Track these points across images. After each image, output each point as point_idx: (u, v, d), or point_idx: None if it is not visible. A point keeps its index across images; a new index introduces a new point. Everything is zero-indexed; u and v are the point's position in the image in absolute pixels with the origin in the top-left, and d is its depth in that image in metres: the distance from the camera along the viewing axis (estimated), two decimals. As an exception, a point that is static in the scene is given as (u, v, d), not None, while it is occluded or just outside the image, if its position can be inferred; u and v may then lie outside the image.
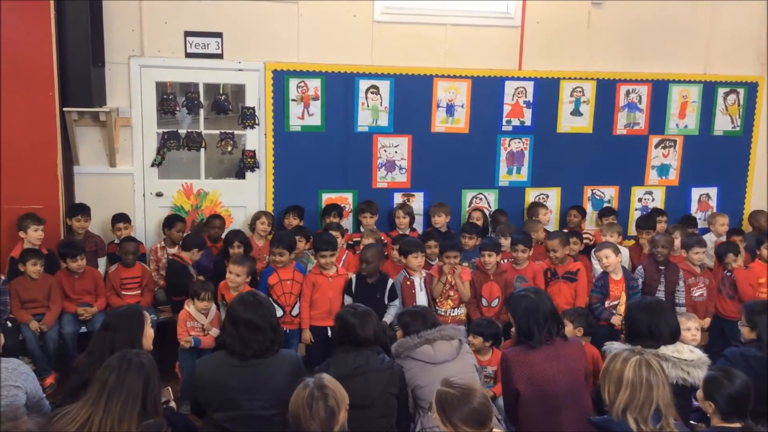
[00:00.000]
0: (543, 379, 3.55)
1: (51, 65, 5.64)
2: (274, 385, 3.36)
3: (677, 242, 6.17)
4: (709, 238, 6.83)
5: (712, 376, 3.26)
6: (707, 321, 5.71)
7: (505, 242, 6.01)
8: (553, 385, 3.55)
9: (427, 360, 3.75)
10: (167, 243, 6.15)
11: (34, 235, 5.49)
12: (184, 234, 6.07)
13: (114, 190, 6.36)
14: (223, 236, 6.24)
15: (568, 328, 4.44)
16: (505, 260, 5.92)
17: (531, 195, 7.24)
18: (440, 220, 6.65)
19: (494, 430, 2.90)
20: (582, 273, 5.67)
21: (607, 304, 5.42)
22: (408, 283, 5.37)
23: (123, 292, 5.63)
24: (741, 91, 7.55)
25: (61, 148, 5.86)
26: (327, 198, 6.79)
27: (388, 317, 5.20)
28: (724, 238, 6.93)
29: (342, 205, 6.72)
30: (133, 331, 3.47)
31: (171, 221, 6.17)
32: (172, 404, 3.81)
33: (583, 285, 5.62)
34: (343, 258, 5.89)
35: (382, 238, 6.26)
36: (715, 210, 7.60)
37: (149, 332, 3.57)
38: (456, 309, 5.41)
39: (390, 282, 5.33)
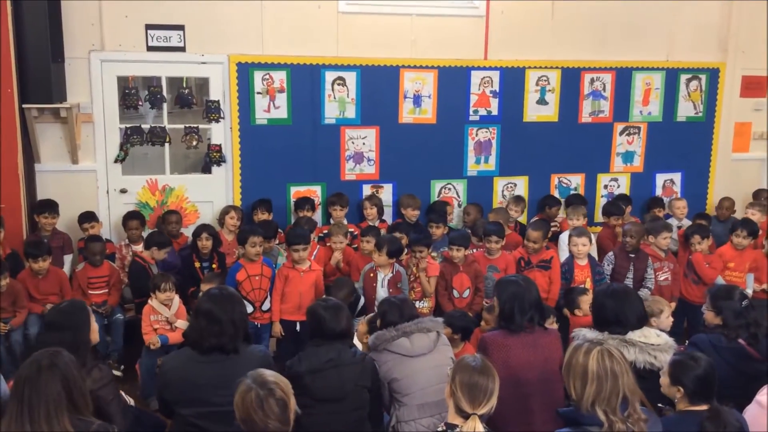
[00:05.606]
0: (518, 365, 3.64)
1: (9, 61, 5.52)
2: None
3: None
4: (671, 223, 6.92)
5: (678, 360, 3.29)
6: (672, 305, 5.79)
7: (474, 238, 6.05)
8: (527, 372, 3.64)
9: (403, 353, 3.72)
10: (131, 241, 6.07)
11: None
12: (141, 231, 5.99)
13: (77, 187, 6.25)
14: (182, 231, 6.21)
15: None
16: (475, 250, 5.96)
17: (499, 184, 7.28)
18: (411, 213, 6.64)
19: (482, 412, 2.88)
20: (555, 261, 5.73)
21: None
22: (371, 275, 5.36)
23: (90, 291, 5.56)
24: (703, 77, 7.66)
25: (21, 146, 5.75)
26: (295, 191, 6.75)
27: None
28: (685, 222, 7.04)
29: (311, 198, 6.68)
30: (81, 326, 3.43)
31: (125, 219, 6.11)
32: (131, 402, 3.79)
33: (556, 273, 5.68)
34: (314, 252, 5.87)
35: (352, 230, 6.23)
36: (679, 195, 7.71)
37: (94, 326, 3.59)
38: (419, 302, 5.41)
39: (360, 303, 5.28)
